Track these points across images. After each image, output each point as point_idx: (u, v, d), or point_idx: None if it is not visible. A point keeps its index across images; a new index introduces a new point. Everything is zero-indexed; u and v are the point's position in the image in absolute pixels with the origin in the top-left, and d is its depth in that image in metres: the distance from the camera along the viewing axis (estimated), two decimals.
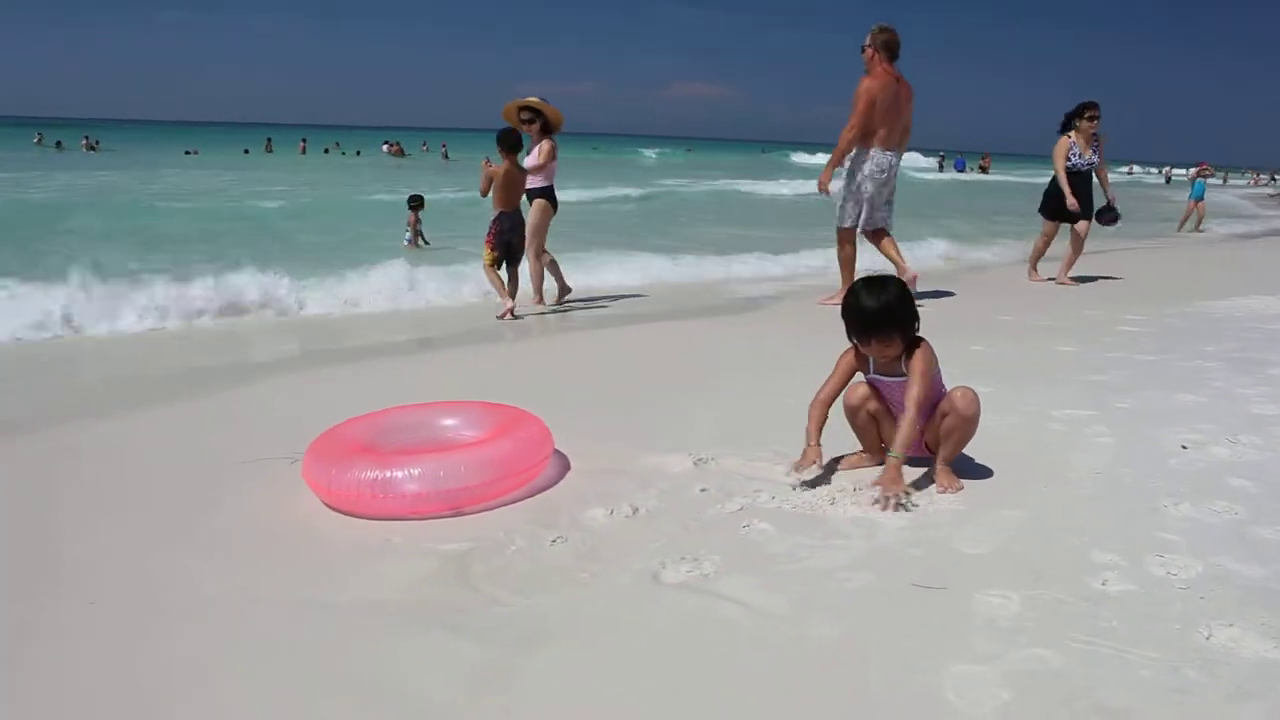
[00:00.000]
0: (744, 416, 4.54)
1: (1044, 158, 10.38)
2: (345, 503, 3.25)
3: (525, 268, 7.45)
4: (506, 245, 7.23)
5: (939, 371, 3.64)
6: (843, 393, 3.68)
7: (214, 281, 7.69)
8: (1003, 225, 18.14)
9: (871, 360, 3.65)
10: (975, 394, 3.54)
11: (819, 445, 3.59)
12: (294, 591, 2.75)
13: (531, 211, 7.29)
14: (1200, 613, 2.58)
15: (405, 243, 12.68)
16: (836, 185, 7.33)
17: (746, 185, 30.24)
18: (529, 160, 7.22)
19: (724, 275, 10.64)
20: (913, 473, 3.69)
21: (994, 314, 7.72)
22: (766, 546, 3.03)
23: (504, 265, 7.26)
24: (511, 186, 7.18)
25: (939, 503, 3.41)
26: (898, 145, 7.26)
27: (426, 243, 12.91)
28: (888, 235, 7.51)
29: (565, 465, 3.77)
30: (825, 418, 3.69)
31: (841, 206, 7.37)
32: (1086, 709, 2.16)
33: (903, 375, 3.58)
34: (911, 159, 57.31)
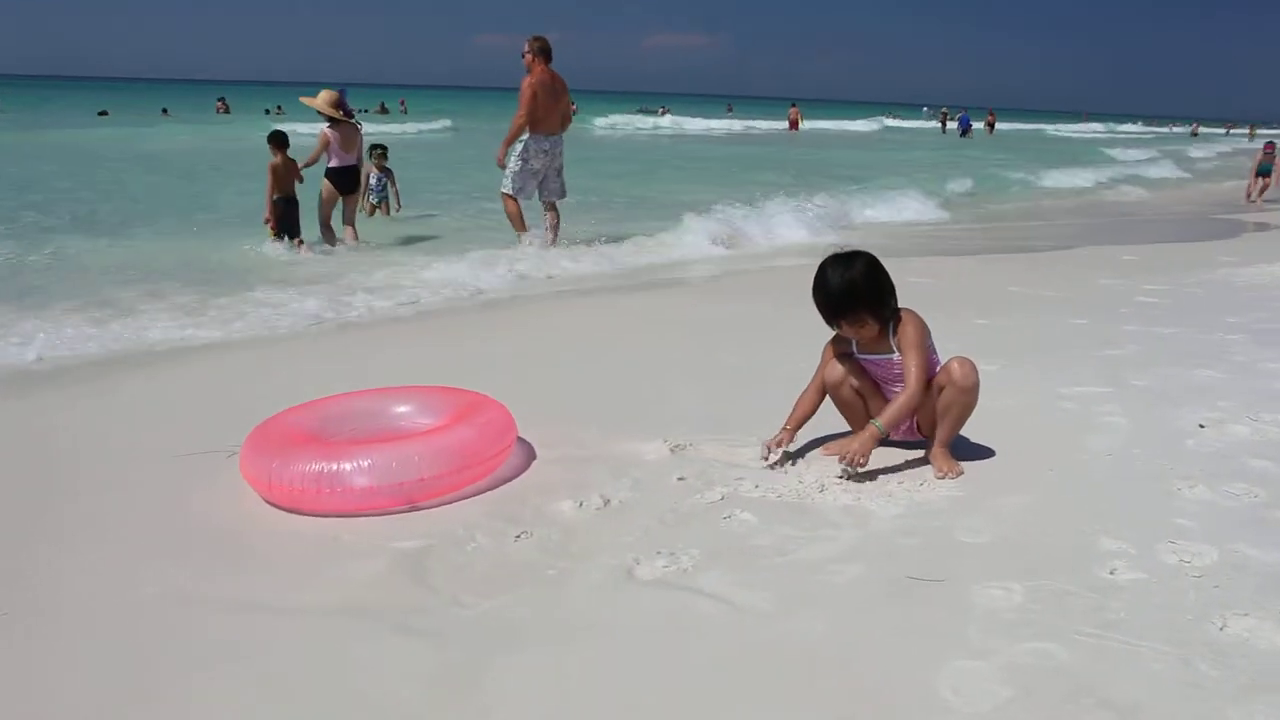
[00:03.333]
0: (726, 398, 4.59)
1: (1055, 113, 10.55)
2: (288, 499, 3.26)
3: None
4: (285, 222, 9.76)
5: (932, 344, 3.69)
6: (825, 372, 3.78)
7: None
8: None
9: (854, 342, 3.71)
10: (973, 364, 3.60)
11: (791, 430, 3.69)
12: (234, 597, 2.77)
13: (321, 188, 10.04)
14: (1214, 602, 2.63)
15: (372, 208, 12.22)
16: (513, 164, 9.36)
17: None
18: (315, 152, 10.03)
19: (705, 241, 10.72)
20: (907, 455, 3.75)
21: (1002, 284, 7.81)
22: (750, 538, 3.06)
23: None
24: (283, 177, 9.83)
25: (936, 488, 3.46)
26: (559, 129, 9.43)
27: (399, 208, 12.40)
28: (554, 209, 9.63)
29: (530, 454, 3.79)
30: (811, 410, 3.78)
31: (510, 176, 9.34)
32: (1093, 705, 2.23)
33: (890, 352, 3.64)
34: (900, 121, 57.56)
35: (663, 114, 60.27)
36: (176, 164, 18.90)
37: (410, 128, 34.23)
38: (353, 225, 10.13)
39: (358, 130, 10.13)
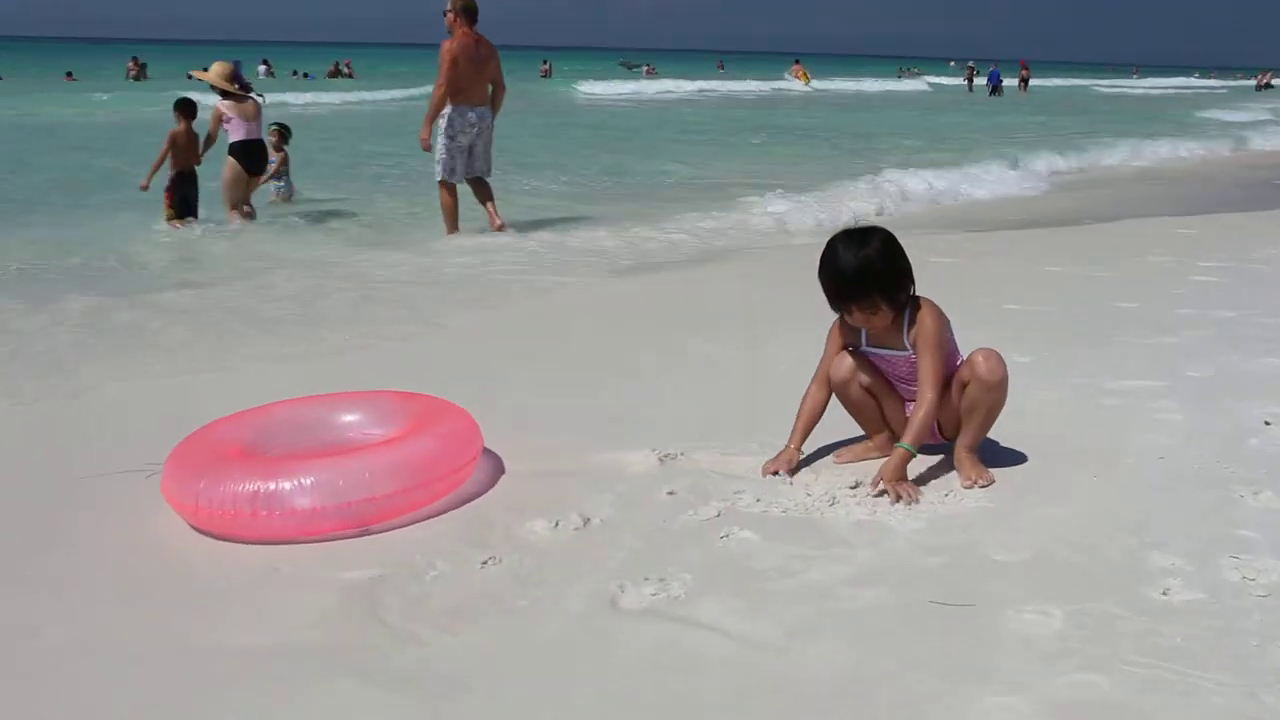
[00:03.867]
0: (722, 399, 4.61)
1: (1088, 65, 10.67)
2: (219, 524, 3.26)
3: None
4: (184, 200, 10.05)
5: (952, 336, 3.72)
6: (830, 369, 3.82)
7: None
8: None
9: (863, 331, 3.74)
10: (1000, 356, 3.62)
11: (798, 448, 3.77)
12: (158, 638, 2.76)
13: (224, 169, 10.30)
14: None
15: (273, 195, 12.11)
16: (439, 145, 9.52)
17: None
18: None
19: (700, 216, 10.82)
20: (928, 461, 3.77)
21: (1036, 263, 7.86)
22: (751, 560, 3.08)
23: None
24: (184, 149, 10.04)
25: (963, 499, 3.48)
26: (485, 100, 9.60)
27: (290, 194, 12.27)
28: (485, 184, 9.83)
29: (498, 467, 3.81)
30: (819, 411, 3.82)
31: (440, 160, 9.51)
32: None
33: (903, 349, 3.67)
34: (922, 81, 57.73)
35: (648, 73, 60.29)
36: (78, 137, 18.87)
37: (355, 96, 34.00)
38: (246, 205, 10.35)
39: (257, 105, 10.37)
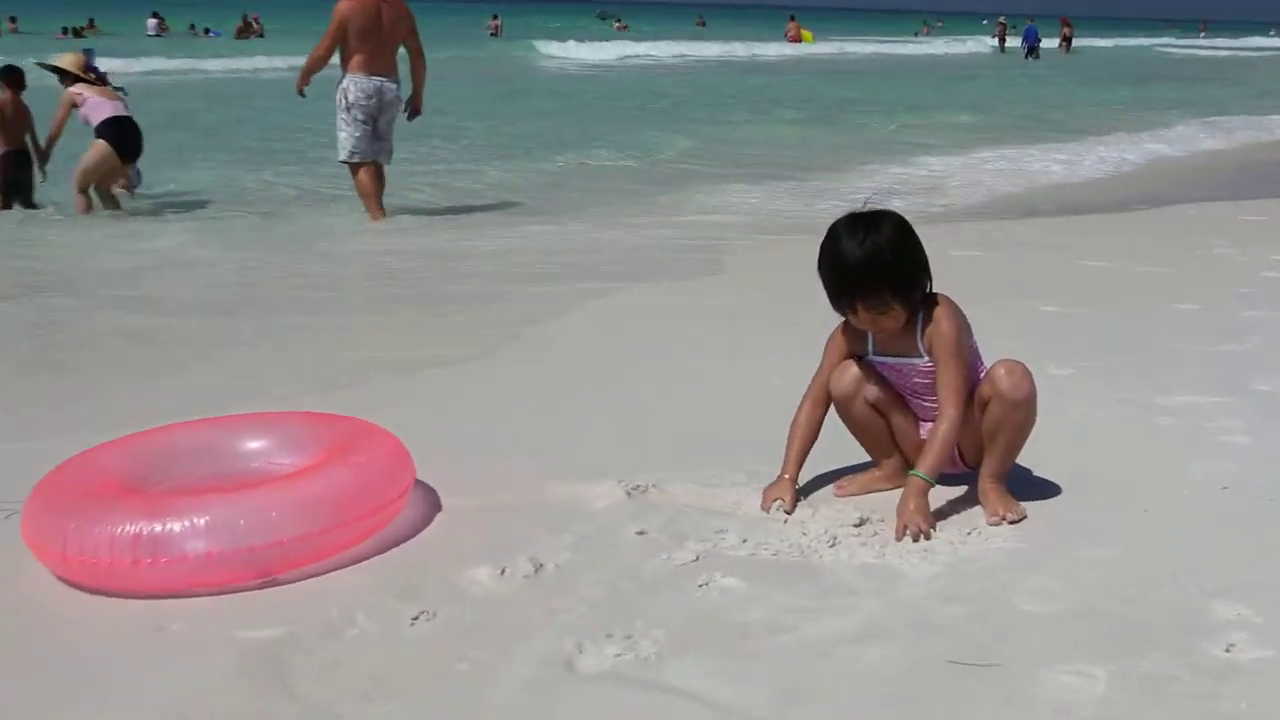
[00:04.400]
0: (703, 420, 4.62)
1: (1132, 22, 10.76)
2: (92, 574, 3.20)
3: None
4: (13, 185, 10.32)
5: (974, 343, 3.73)
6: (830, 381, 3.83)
7: None
8: None
9: (870, 336, 3.74)
10: (1025, 368, 3.62)
11: (793, 479, 3.77)
12: (19, 712, 2.71)
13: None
14: None
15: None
16: (340, 121, 9.73)
17: None
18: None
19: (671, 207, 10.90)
20: (947, 493, 3.77)
21: (1077, 256, 7.91)
22: (735, 613, 3.06)
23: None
24: (12, 124, 10.31)
25: (988, 538, 3.48)
26: (391, 71, 9.85)
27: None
28: (380, 172, 10.04)
29: (433, 503, 3.79)
30: (814, 432, 3.83)
31: (348, 141, 9.74)
32: None
33: (917, 354, 3.68)
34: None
35: (619, 28, 60.45)
36: None
37: (265, 62, 33.52)
38: (114, 190, 10.69)
39: (118, 96, 10.73)
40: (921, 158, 14.86)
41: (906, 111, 21.69)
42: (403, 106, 10.10)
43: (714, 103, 23.77)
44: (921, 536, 3.46)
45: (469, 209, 10.87)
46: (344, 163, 9.98)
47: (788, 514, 3.67)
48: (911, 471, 3.61)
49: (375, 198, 9.94)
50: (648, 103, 23.42)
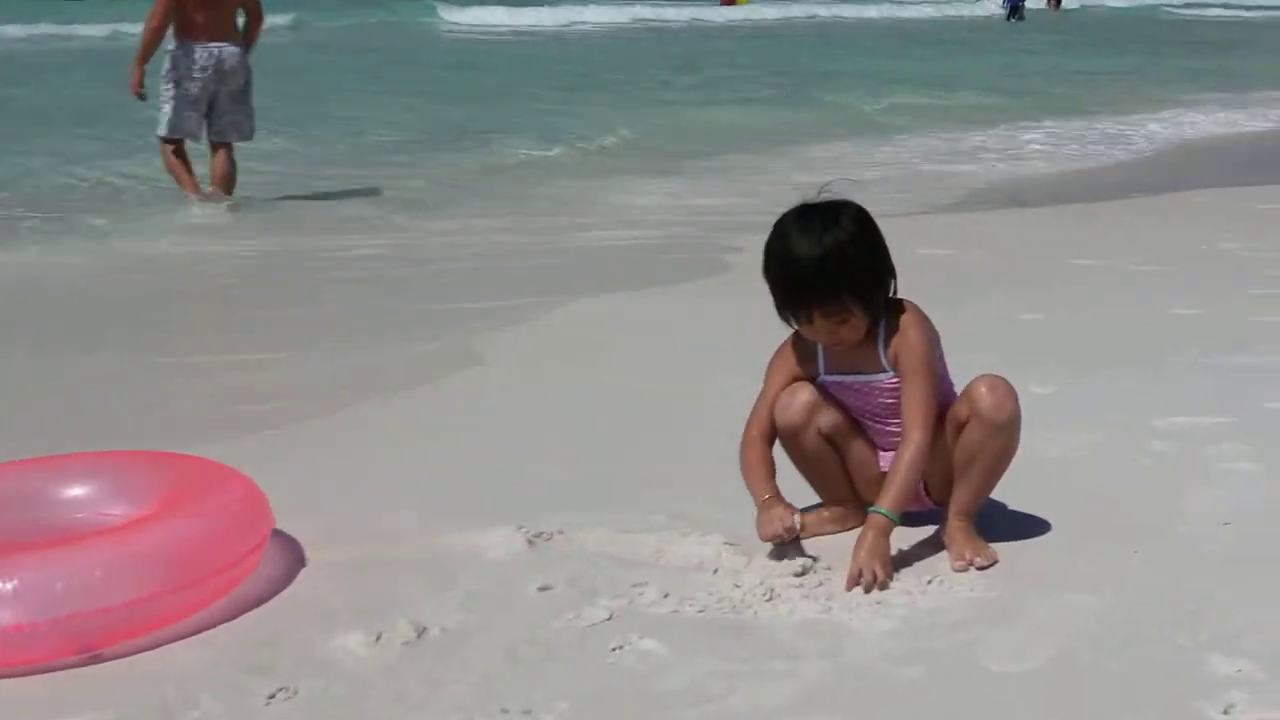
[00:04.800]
0: (621, 453, 4.60)
1: None
2: None
3: None
4: None
5: (942, 358, 3.68)
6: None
7: None
8: None
9: (820, 350, 3.69)
10: (1009, 385, 3.59)
11: (779, 496, 3.67)
12: None
13: None
14: None
15: None
16: (163, 94, 9.98)
17: None
18: None
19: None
20: (904, 533, 3.70)
21: (1063, 253, 7.94)
22: (654, 680, 3.03)
23: None
24: None
25: (953, 587, 3.44)
26: (229, 35, 9.99)
27: None
28: (227, 152, 10.31)
29: (295, 557, 3.73)
30: (771, 457, 3.78)
31: (163, 112, 9.96)
32: None
33: (880, 370, 3.63)
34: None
35: None
36: None
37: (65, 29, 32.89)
38: None
39: None
40: (885, 139, 14.98)
41: (866, 86, 21.83)
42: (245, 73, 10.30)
43: (648, 76, 23.94)
44: (876, 586, 3.39)
45: (348, 204, 10.83)
46: (162, 139, 10.14)
47: (798, 533, 3.59)
48: (871, 508, 3.55)
49: (185, 172, 10.12)
50: (571, 78, 23.45)
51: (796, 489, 3.87)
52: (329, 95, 18.33)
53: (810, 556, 3.58)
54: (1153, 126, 16.83)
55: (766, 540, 3.59)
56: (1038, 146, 14.82)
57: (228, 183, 10.30)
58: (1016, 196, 11.13)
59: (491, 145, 14.65)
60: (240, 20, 10.26)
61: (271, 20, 11.30)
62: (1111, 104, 18.96)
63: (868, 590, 3.38)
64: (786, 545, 3.65)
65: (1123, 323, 6.18)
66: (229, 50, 9.93)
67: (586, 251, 9.08)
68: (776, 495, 3.65)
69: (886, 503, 3.49)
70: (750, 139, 15.39)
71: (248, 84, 10.21)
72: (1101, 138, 15.71)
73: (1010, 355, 4.72)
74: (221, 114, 10.05)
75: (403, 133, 15.47)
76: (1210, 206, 10.01)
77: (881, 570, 3.42)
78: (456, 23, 41.34)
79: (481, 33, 37.84)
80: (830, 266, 3.45)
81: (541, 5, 46.99)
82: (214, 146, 10.31)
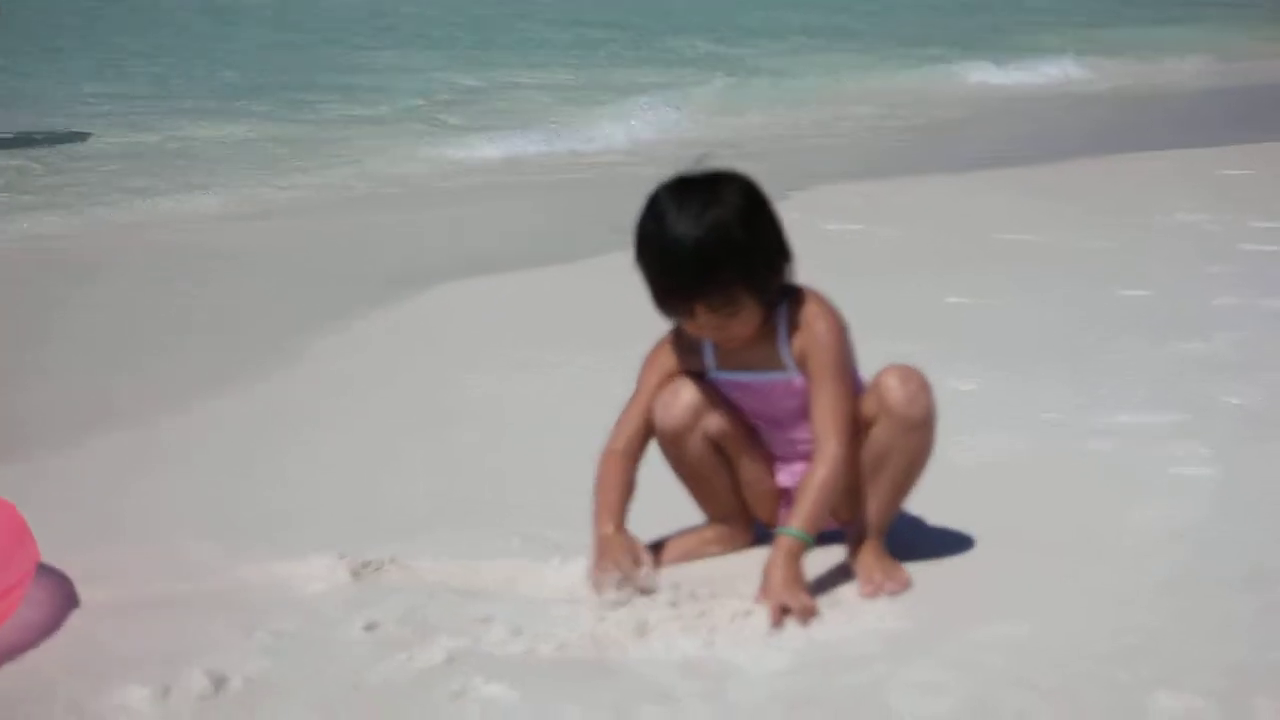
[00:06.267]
0: (463, 470, 4.65)
1: None
2: None
3: None
4: None
5: (852, 351, 3.68)
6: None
7: None
8: None
9: (709, 346, 3.70)
10: (922, 378, 3.63)
11: (624, 530, 3.69)
12: None
13: None
14: None
15: None
16: None
17: None
18: None
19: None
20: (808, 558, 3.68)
21: (992, 224, 8.12)
22: None
23: None
24: None
25: (859, 615, 3.48)
26: None
27: None
28: None
29: (65, 596, 3.67)
30: (631, 478, 3.78)
31: None
32: None
33: (781, 368, 3.66)
34: None
35: None
36: None
37: None
38: None
39: None
40: (767, 93, 15.18)
41: (710, 27, 21.84)
42: None
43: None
44: (804, 617, 3.39)
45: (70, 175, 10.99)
46: None
47: (637, 588, 3.57)
48: (781, 530, 3.53)
49: None
50: (341, 28, 23.64)
51: (677, 503, 3.92)
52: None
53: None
54: (1102, 62, 16.95)
55: (596, 591, 3.57)
56: (961, 90, 15.05)
57: None
58: (932, 158, 11.20)
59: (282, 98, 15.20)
60: None
61: None
62: (1051, 34, 19.10)
63: (804, 624, 3.37)
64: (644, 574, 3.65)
65: (1061, 307, 6.31)
66: None
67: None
68: (619, 529, 3.65)
69: (798, 522, 3.50)
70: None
71: None
72: (1036, 79, 15.87)
73: (931, 344, 4.79)
74: None
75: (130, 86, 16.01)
76: (1166, 171, 10.17)
77: (808, 599, 3.42)
78: None
79: None
80: (714, 250, 3.45)
81: None
82: None
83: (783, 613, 3.39)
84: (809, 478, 3.56)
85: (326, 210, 10.04)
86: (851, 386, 3.62)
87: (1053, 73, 16.52)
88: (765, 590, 3.43)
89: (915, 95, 15.09)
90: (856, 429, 3.61)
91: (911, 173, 10.48)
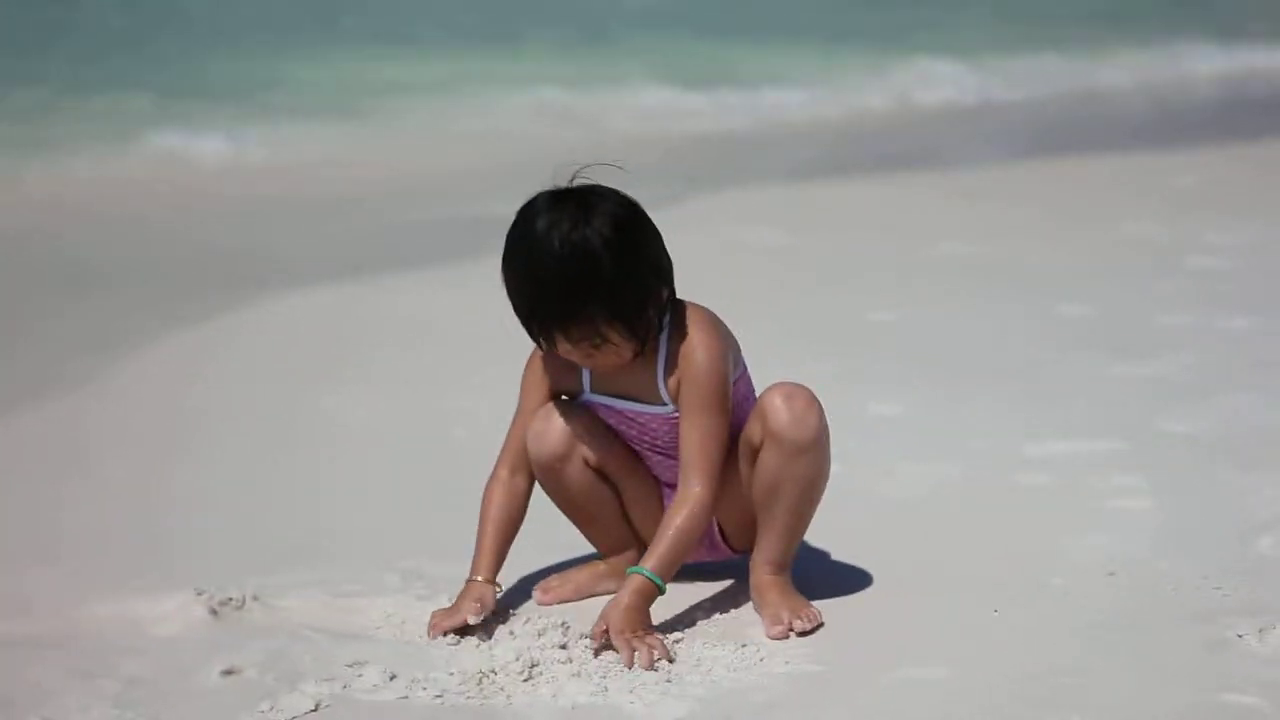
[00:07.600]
0: (339, 495, 4.69)
1: None
2: None
3: None
4: None
5: (743, 369, 3.76)
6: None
7: None
8: None
9: (584, 371, 3.73)
10: (810, 394, 3.62)
11: (492, 580, 3.75)
12: None
13: None
14: None
15: None
16: None
17: None
18: None
19: None
20: (706, 588, 3.81)
21: (919, 235, 8.19)
22: None
23: None
24: None
25: (765, 658, 3.49)
26: None
27: None
28: None
29: None
30: (517, 515, 3.85)
31: None
32: None
33: (658, 401, 3.71)
34: None
35: None
36: None
37: None
38: None
39: None
40: (659, 89, 15.31)
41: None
42: None
43: None
44: (640, 661, 3.42)
45: None
46: None
47: (477, 640, 3.58)
48: (634, 569, 3.57)
49: None
50: None
51: (565, 538, 3.99)
52: None
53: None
54: (1046, 62, 17.31)
55: (433, 633, 3.63)
56: (887, 85, 15.16)
57: None
58: (856, 160, 11.25)
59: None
60: None
61: None
62: (1003, 37, 19.26)
63: (628, 667, 3.40)
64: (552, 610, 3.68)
65: (992, 323, 6.38)
66: None
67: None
68: (489, 579, 3.71)
69: (652, 564, 3.53)
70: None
71: None
72: (972, 76, 15.98)
73: (851, 364, 4.80)
74: None
75: None
76: (1112, 177, 10.27)
77: (638, 640, 3.45)
78: None
79: None
80: (576, 278, 3.45)
81: None
82: None
83: (605, 648, 3.44)
84: (668, 519, 3.58)
85: None
86: (726, 421, 3.62)
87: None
88: (606, 628, 3.46)
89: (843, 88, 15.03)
90: (727, 461, 3.64)
91: (825, 177, 10.47)
